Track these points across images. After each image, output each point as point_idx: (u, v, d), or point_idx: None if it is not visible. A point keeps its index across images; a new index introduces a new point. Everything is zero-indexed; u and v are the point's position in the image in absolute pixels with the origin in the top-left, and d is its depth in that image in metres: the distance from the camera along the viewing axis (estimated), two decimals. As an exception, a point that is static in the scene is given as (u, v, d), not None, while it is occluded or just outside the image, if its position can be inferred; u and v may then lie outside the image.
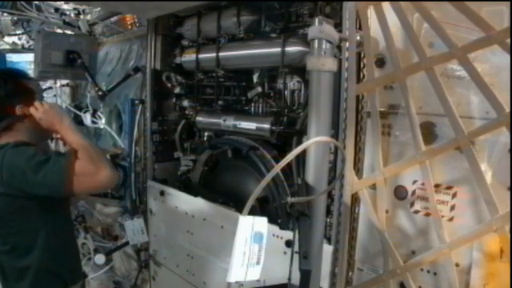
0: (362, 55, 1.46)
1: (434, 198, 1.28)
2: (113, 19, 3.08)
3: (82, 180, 1.46)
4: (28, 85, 1.68)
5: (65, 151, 1.64)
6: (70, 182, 1.44)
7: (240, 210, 2.05)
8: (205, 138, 2.54)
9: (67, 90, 3.84)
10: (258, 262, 1.05)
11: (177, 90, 2.63)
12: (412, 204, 1.39)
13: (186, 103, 2.60)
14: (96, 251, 2.79)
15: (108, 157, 2.80)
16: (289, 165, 1.86)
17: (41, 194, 1.47)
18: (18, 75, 1.70)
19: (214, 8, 2.25)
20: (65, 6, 3.08)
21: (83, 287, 1.84)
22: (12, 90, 1.61)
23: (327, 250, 1.55)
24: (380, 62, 1.43)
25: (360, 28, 1.40)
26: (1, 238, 1.54)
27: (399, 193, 1.42)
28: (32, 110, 1.62)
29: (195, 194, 2.28)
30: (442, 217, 1.29)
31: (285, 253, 1.71)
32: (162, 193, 2.48)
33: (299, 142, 1.90)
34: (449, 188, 1.30)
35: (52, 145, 3.96)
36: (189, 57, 2.47)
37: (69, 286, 1.67)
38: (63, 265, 1.65)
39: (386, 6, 1.32)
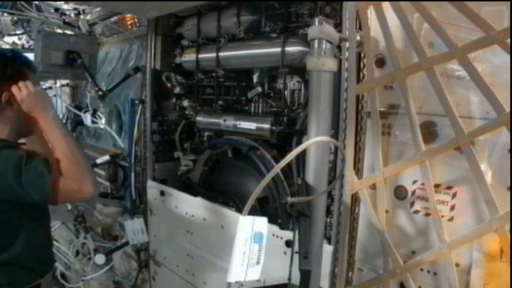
0: (362, 55, 1.46)
1: (434, 198, 1.28)
2: (113, 19, 3.08)
3: (64, 196, 1.42)
4: (25, 72, 1.52)
5: (44, 159, 1.43)
6: (54, 196, 1.40)
7: (240, 209, 2.06)
8: (205, 138, 2.54)
9: (67, 89, 3.85)
10: (258, 262, 1.05)
11: (177, 90, 2.63)
12: (412, 204, 1.39)
13: (186, 103, 2.61)
14: (96, 251, 2.79)
15: (108, 158, 2.80)
16: (289, 165, 1.86)
17: (22, 202, 1.44)
18: (17, 60, 1.54)
19: (214, 8, 2.25)
20: (65, 6, 3.08)
21: (53, 273, 1.82)
22: (3, 73, 1.46)
23: (327, 249, 1.55)
24: (380, 62, 1.43)
25: (360, 28, 1.40)
26: None
27: (399, 193, 1.42)
28: (15, 89, 1.45)
29: (195, 194, 2.28)
30: (442, 217, 1.29)
31: (285, 253, 1.71)
32: (162, 193, 2.48)
33: (299, 142, 1.90)
34: (449, 188, 1.30)
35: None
36: (189, 57, 2.47)
37: (43, 276, 1.65)
38: (40, 259, 1.63)
39: (386, 5, 1.32)
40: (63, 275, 3.04)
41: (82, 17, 3.09)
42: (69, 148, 1.46)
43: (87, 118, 2.87)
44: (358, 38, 1.41)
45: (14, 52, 1.69)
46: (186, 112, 2.62)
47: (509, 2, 1.12)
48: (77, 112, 2.98)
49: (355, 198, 1.50)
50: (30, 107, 1.48)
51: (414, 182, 1.38)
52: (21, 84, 1.48)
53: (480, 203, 1.20)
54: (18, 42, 3.73)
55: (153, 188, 2.57)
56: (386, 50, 1.37)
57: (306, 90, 1.94)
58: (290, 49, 1.87)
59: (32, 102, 1.48)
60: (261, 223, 1.07)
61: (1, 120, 1.51)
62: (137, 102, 2.67)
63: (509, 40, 1.06)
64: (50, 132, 1.49)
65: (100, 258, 2.67)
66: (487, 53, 1.16)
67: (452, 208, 1.30)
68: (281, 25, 2.02)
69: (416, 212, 1.38)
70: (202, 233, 2.23)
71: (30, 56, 2.94)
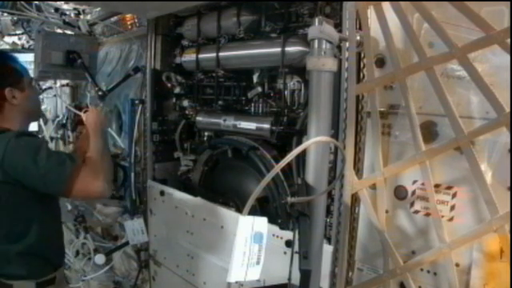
0: (362, 55, 1.46)
1: (434, 197, 1.28)
2: (113, 19, 3.07)
3: (78, 188, 1.49)
4: (17, 68, 1.65)
5: (72, 152, 1.68)
6: (71, 186, 1.47)
7: (240, 209, 2.06)
8: (205, 138, 2.54)
9: (67, 89, 3.84)
10: (258, 262, 1.05)
11: (177, 90, 2.63)
12: (412, 204, 1.39)
13: (186, 103, 2.60)
14: (96, 251, 2.79)
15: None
16: (289, 165, 1.86)
17: (37, 190, 1.49)
18: (6, 58, 1.68)
19: (214, 8, 2.25)
20: (65, 6, 3.08)
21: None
22: (1, 73, 1.59)
23: (327, 249, 1.55)
24: (380, 62, 1.43)
25: (360, 28, 1.40)
26: None
27: (399, 193, 1.42)
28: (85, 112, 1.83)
29: (195, 194, 2.28)
30: (442, 217, 1.29)
31: (285, 253, 1.71)
32: (162, 193, 2.48)
33: (299, 142, 1.90)
34: (449, 188, 1.30)
35: (52, 145, 3.99)
36: (189, 57, 2.47)
37: (57, 269, 1.71)
38: (53, 250, 1.70)
39: (386, 5, 1.32)
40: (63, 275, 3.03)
41: (82, 17, 3.09)
42: (102, 149, 1.69)
43: (87, 118, 2.86)
44: (358, 37, 1.41)
45: (3, 52, 1.90)
46: (186, 112, 2.61)
47: (509, 2, 1.12)
48: (77, 112, 2.98)
49: (355, 198, 1.50)
50: (90, 125, 1.80)
51: (414, 181, 1.38)
52: (91, 110, 1.87)
53: (480, 203, 1.20)
54: (18, 42, 3.73)
55: (153, 188, 2.57)
56: (386, 50, 1.37)
57: (306, 89, 1.94)
58: (290, 49, 1.87)
59: (93, 123, 1.80)
60: (261, 223, 1.07)
61: (10, 112, 1.60)
62: (137, 101, 2.67)
63: (509, 40, 1.05)
64: (93, 140, 1.72)
65: (100, 258, 2.67)
66: (487, 53, 1.16)
67: (452, 208, 1.30)
68: (281, 25, 2.02)
69: (416, 212, 1.38)
70: (201, 233, 2.23)
71: (30, 56, 2.95)
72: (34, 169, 1.44)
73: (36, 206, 1.57)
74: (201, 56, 2.37)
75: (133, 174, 2.70)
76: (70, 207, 2.87)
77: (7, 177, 1.46)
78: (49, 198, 1.63)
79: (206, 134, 2.53)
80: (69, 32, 3.00)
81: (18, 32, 3.56)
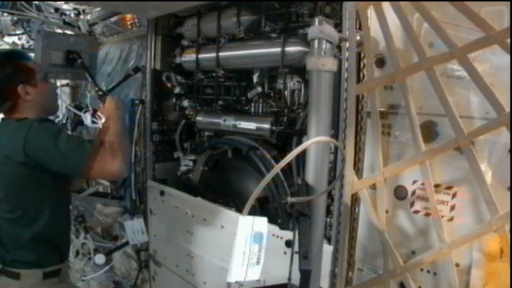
0: (362, 55, 1.46)
1: (434, 197, 1.28)
2: (113, 19, 3.08)
3: (96, 166, 1.55)
4: (28, 64, 1.70)
5: (92, 138, 1.74)
6: (90, 166, 1.54)
7: (240, 210, 2.06)
8: (205, 138, 2.54)
9: (67, 89, 3.85)
10: (258, 262, 1.05)
11: (177, 90, 2.63)
12: (412, 204, 1.39)
13: (186, 103, 2.61)
14: (96, 251, 2.79)
15: None
16: (289, 165, 1.86)
17: (57, 171, 1.55)
18: (17, 56, 1.72)
19: (214, 8, 2.25)
20: (65, 6, 3.08)
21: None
22: (12, 71, 1.64)
23: (327, 249, 1.55)
24: (380, 62, 1.43)
25: (360, 28, 1.40)
26: (11, 205, 1.60)
27: (399, 193, 1.42)
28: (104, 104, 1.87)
29: (195, 194, 2.28)
30: (442, 217, 1.29)
31: (285, 253, 1.71)
32: (162, 193, 2.48)
33: (299, 142, 1.90)
34: (449, 188, 1.30)
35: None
36: (189, 57, 2.47)
37: (63, 260, 1.75)
38: (61, 239, 1.75)
39: (386, 5, 1.32)
40: (63, 275, 3.03)
41: (82, 17, 3.09)
42: (120, 133, 1.72)
43: (87, 118, 2.86)
44: (358, 37, 1.41)
45: (6, 50, 1.91)
46: (186, 112, 2.61)
47: (509, 2, 1.12)
48: (77, 112, 2.97)
49: (355, 198, 1.50)
50: (110, 112, 1.81)
51: (414, 182, 1.38)
52: (108, 99, 1.89)
53: (480, 203, 1.20)
54: (18, 42, 3.73)
55: (153, 188, 2.57)
56: (386, 50, 1.37)
57: (306, 89, 1.94)
58: (290, 49, 1.87)
59: (112, 110, 1.82)
60: (261, 223, 1.06)
61: (26, 108, 1.66)
62: (137, 102, 2.67)
63: (509, 40, 1.06)
64: (111, 125, 1.73)
65: (100, 258, 2.67)
66: (487, 53, 1.16)
67: (452, 208, 1.30)
68: (281, 25, 2.02)
69: (416, 212, 1.38)
70: (201, 233, 2.23)
71: (30, 56, 2.95)
72: (54, 150, 1.50)
73: (51, 193, 1.62)
74: (201, 56, 2.37)
75: (133, 174, 2.70)
76: (70, 207, 2.86)
77: (28, 159, 1.51)
78: (64, 186, 1.69)
79: (206, 133, 2.53)
80: (69, 32, 3.00)
81: (18, 32, 3.56)
